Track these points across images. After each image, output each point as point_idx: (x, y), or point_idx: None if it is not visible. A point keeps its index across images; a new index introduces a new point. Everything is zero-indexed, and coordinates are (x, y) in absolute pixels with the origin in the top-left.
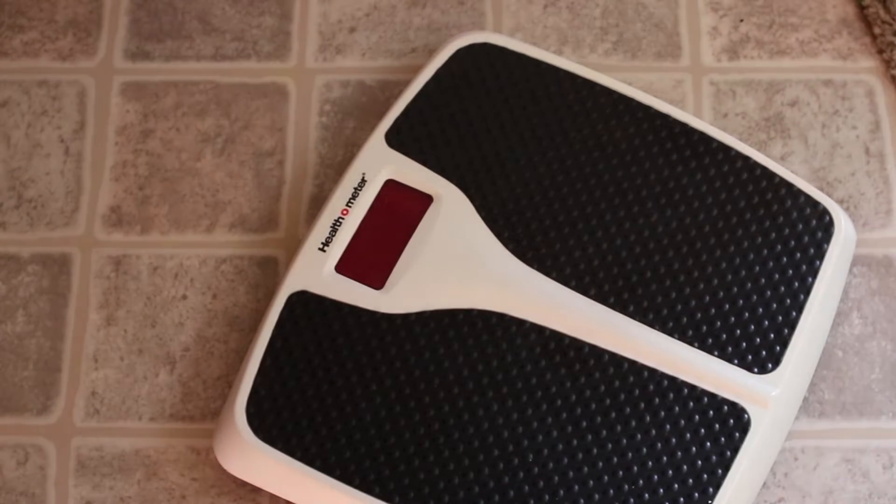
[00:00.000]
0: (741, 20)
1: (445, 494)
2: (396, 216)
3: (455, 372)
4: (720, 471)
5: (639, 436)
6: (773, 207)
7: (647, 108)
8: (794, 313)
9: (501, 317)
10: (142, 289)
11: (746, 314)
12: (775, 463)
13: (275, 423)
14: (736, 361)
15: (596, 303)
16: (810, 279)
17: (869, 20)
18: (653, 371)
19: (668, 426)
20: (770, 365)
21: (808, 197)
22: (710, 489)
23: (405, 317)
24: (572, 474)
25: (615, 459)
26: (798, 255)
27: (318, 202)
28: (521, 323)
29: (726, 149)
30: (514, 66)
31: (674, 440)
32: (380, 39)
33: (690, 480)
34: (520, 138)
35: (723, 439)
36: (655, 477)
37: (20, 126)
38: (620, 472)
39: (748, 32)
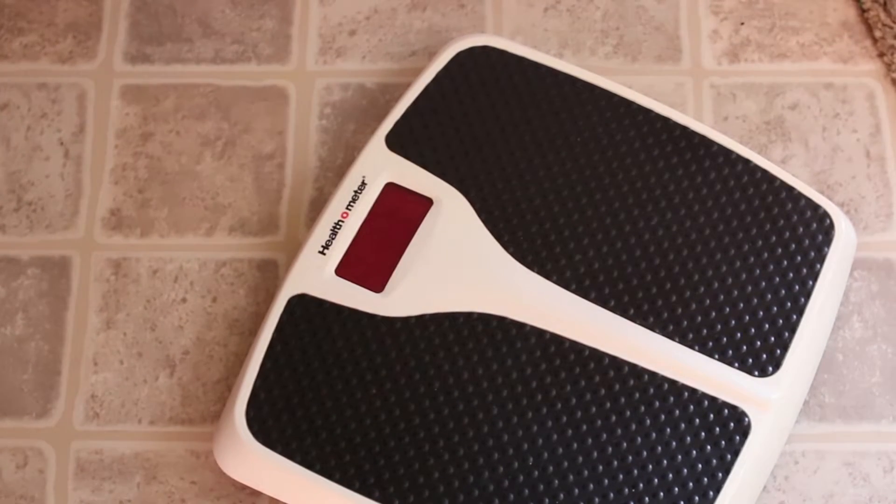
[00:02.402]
0: (742, 23)
1: (445, 498)
2: (396, 219)
3: (455, 375)
4: (720, 474)
5: (639, 439)
6: (773, 211)
7: (647, 112)
8: (794, 316)
9: (502, 320)
10: (141, 292)
11: (747, 317)
12: (776, 466)
13: (275, 426)
14: (736, 364)
15: (596, 306)
16: (811, 282)
17: (869, 23)
18: (653, 374)
19: (668, 429)
20: (770, 368)
21: (808, 200)
22: (711, 493)
23: (405, 320)
24: (573, 478)
25: (615, 463)
26: (799, 258)
27: (318, 205)
28: (521, 326)
29: (727, 152)
30: (514, 70)
31: (674, 443)
32: (380, 42)
33: (691, 484)
34: (520, 141)
35: (723, 443)
36: (656, 480)
37: (20, 129)
38: (621, 476)
39: (749, 35)
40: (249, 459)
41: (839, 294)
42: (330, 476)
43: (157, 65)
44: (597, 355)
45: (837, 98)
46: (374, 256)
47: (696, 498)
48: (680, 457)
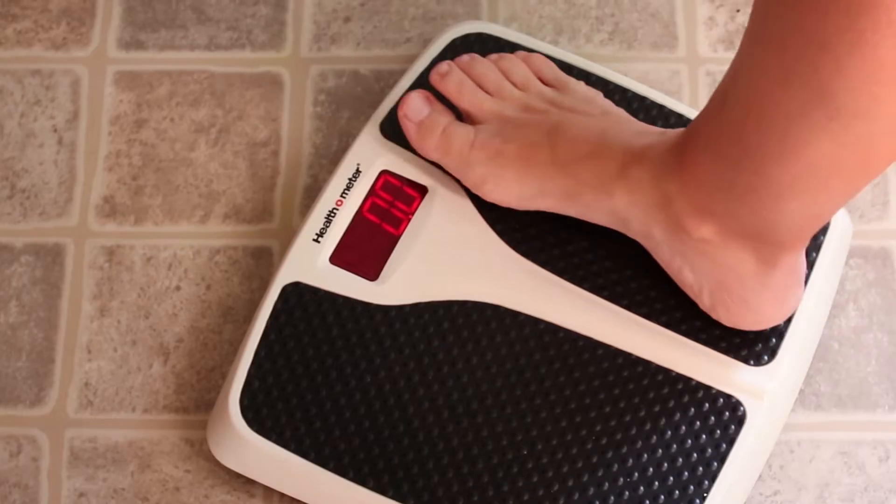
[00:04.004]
0: (738, 10)
1: (440, 487)
2: (391, 207)
3: (449, 364)
4: (716, 463)
5: (634, 428)
6: None
7: (642, 99)
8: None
9: (496, 308)
10: (135, 279)
11: None
12: (771, 455)
13: (269, 414)
14: (732, 354)
15: (591, 294)
16: (807, 271)
17: None
18: (648, 363)
19: (663, 419)
20: (766, 357)
21: None
22: (706, 482)
23: (400, 308)
24: (567, 467)
25: (610, 452)
26: None
27: (312, 193)
28: (515, 315)
29: None
30: None
31: (669, 433)
32: (375, 29)
33: (686, 473)
34: None
35: (718, 432)
36: (651, 469)
37: (13, 116)
38: (616, 465)
39: (745, 23)
40: (244, 448)
41: (835, 283)
42: (324, 464)
43: (151, 51)
44: (591, 344)
45: None
46: (368, 244)
47: (692, 487)
48: (675, 446)
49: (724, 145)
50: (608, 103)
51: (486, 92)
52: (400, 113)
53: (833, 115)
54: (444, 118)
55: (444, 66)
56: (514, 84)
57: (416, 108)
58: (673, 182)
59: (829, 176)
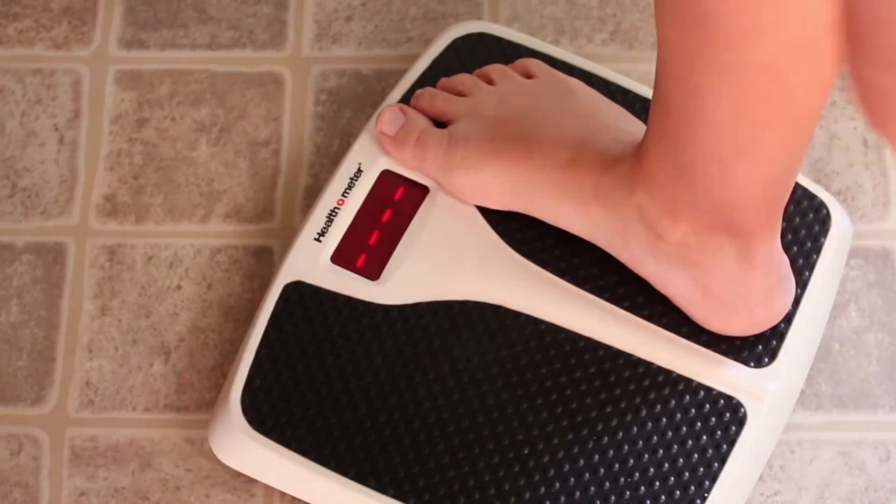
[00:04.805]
0: None
1: (441, 486)
2: (392, 207)
3: (450, 364)
4: (716, 464)
5: (635, 429)
6: None
7: (644, 100)
8: (790, 306)
9: (497, 309)
10: (136, 279)
11: None
12: (772, 456)
13: (270, 413)
14: (732, 355)
15: (592, 296)
16: (807, 273)
17: None
18: (649, 364)
19: (664, 420)
20: (766, 359)
21: (804, 190)
22: (707, 482)
23: (401, 308)
24: (568, 467)
25: (611, 452)
26: (794, 248)
27: (313, 192)
28: (516, 315)
29: None
30: (510, 57)
31: (670, 434)
32: (376, 28)
33: (687, 474)
34: None
35: (719, 433)
36: (651, 470)
37: (14, 115)
38: (616, 465)
39: None
40: (245, 447)
41: (835, 284)
42: (325, 464)
43: (153, 51)
44: (592, 345)
45: (835, 86)
46: (369, 244)
47: (692, 487)
48: (676, 447)
49: (665, 127)
50: (592, 94)
51: (462, 95)
52: (377, 129)
53: (726, 43)
54: (418, 126)
55: (419, 91)
56: (490, 81)
57: (391, 120)
58: (640, 190)
59: (756, 127)
